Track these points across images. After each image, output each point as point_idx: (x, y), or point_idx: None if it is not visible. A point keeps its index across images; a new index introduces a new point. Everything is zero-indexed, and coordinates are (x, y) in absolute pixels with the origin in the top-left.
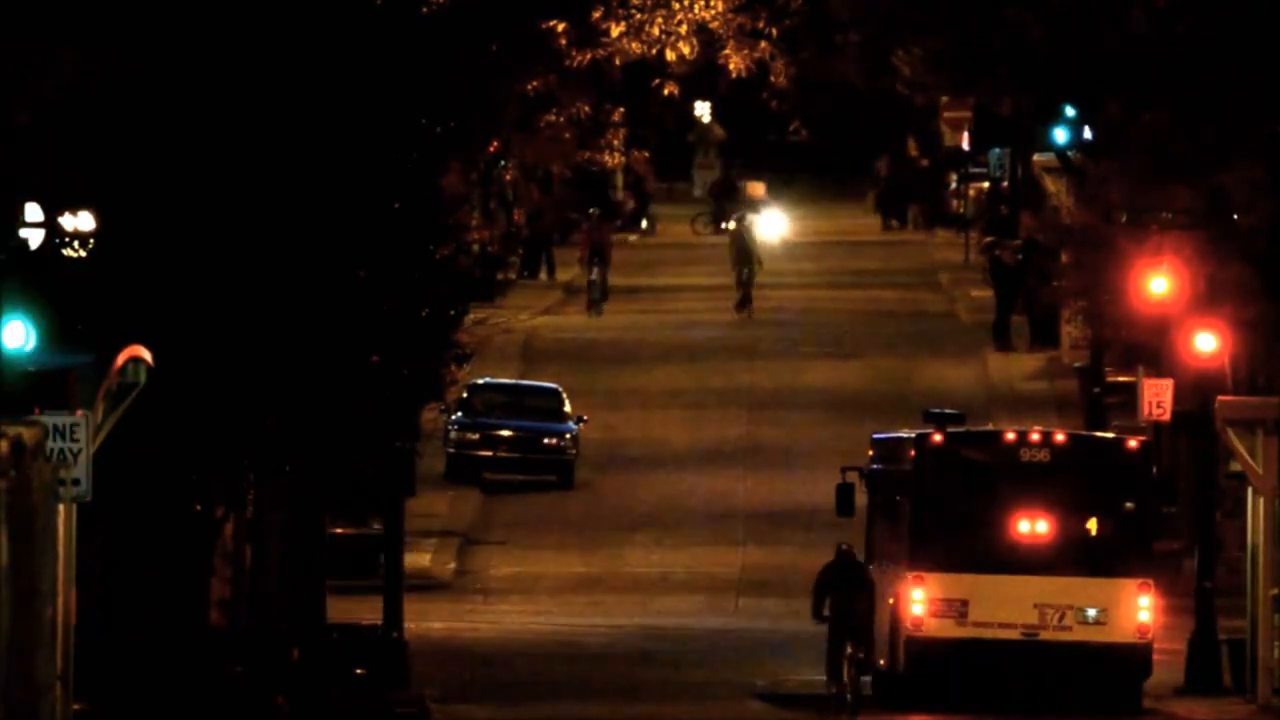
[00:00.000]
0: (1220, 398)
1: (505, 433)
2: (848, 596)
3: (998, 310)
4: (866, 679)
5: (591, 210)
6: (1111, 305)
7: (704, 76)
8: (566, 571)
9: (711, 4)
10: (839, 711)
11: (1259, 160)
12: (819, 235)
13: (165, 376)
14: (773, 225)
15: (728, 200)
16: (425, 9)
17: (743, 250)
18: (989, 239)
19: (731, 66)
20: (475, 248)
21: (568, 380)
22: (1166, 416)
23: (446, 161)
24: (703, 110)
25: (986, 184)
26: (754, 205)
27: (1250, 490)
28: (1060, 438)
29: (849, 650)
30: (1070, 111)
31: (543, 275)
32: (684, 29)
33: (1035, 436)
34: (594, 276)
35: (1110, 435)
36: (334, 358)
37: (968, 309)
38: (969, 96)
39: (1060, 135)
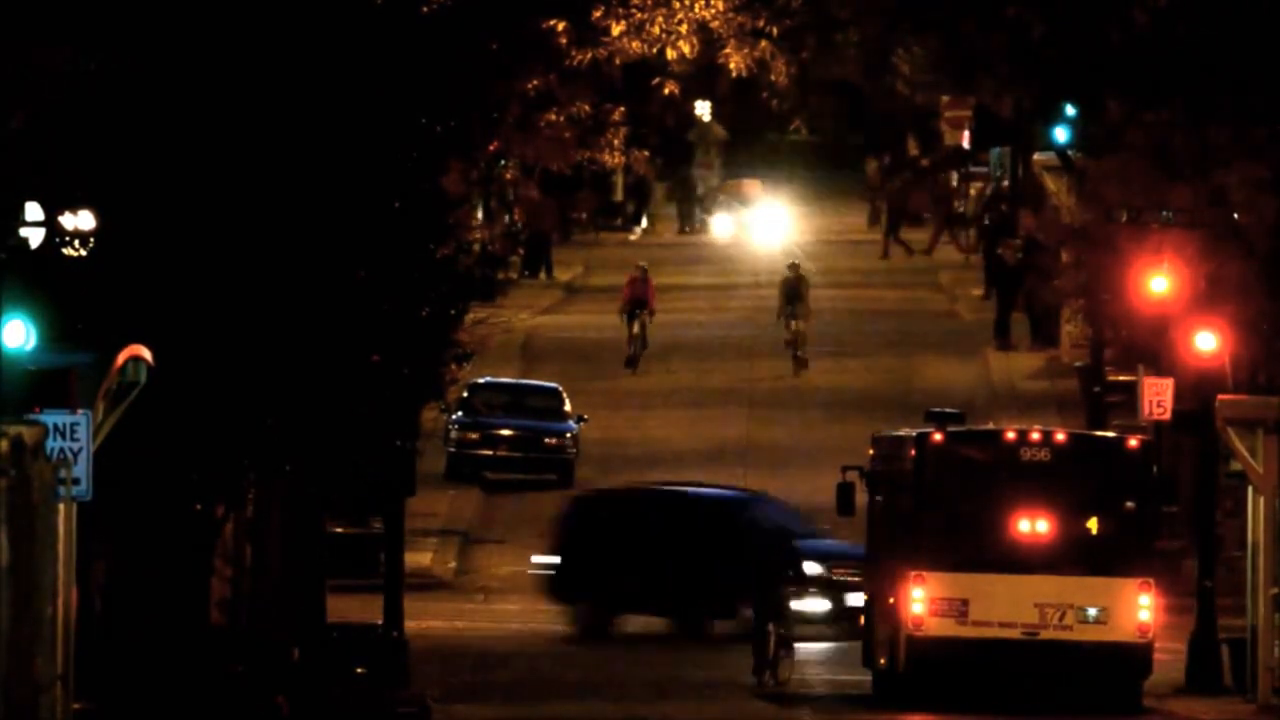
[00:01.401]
0: (1221, 397)
1: (506, 432)
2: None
3: (998, 309)
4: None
5: (640, 264)
6: (1112, 304)
7: (704, 76)
8: None
9: (712, 3)
10: (767, 679)
11: (1259, 160)
12: (819, 234)
13: (165, 376)
14: (774, 224)
15: (685, 201)
16: (425, 9)
17: (793, 297)
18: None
19: (732, 66)
20: (475, 247)
21: (568, 380)
22: (1167, 416)
23: (447, 161)
24: (703, 110)
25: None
26: (746, 202)
27: (1250, 489)
28: (1061, 437)
29: (771, 630)
30: (1070, 111)
31: (542, 275)
32: (684, 28)
33: (1036, 436)
34: (635, 330)
35: (1111, 434)
36: (334, 357)
37: (968, 308)
38: (969, 96)
39: (1060, 135)
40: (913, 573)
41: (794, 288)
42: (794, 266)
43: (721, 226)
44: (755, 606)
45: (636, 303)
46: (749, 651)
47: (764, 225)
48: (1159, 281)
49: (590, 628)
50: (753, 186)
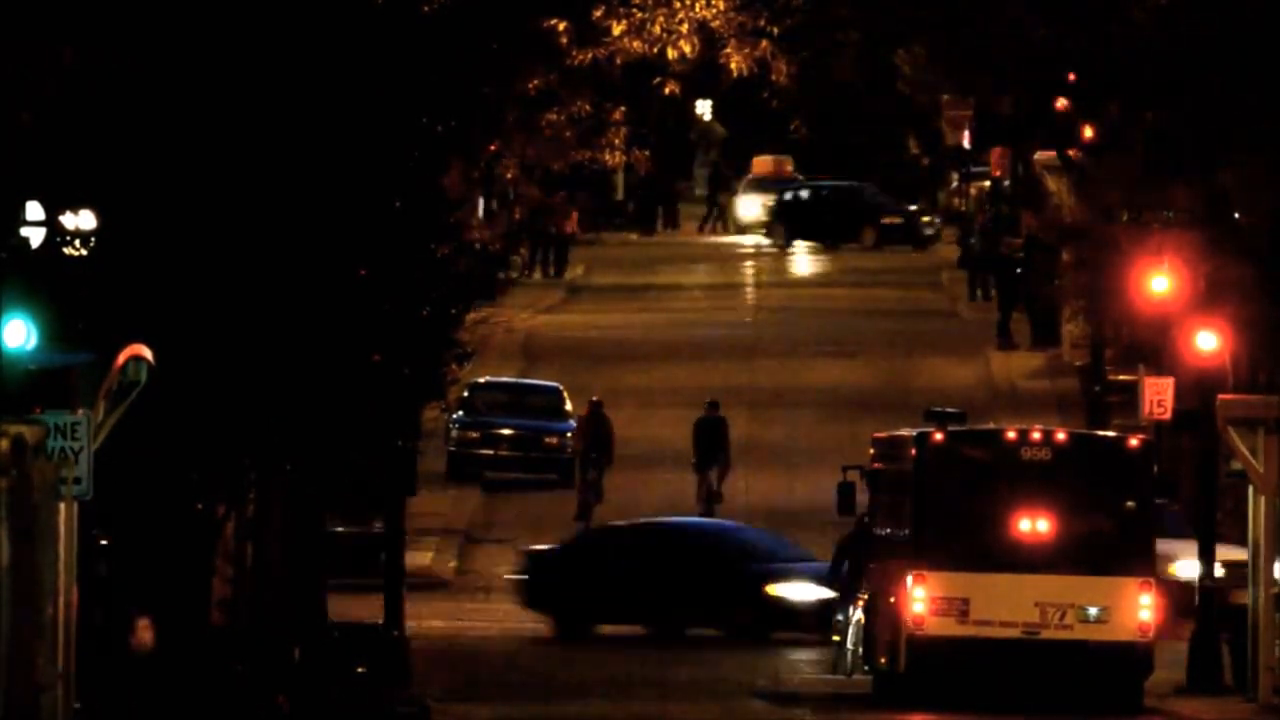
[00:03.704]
0: (1221, 396)
1: (506, 431)
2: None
3: (999, 309)
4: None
5: (595, 398)
6: (1112, 304)
7: (705, 75)
8: None
9: (713, 3)
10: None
11: (1259, 159)
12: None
13: (166, 375)
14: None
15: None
16: (425, 9)
17: (711, 443)
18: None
19: (733, 65)
20: (476, 247)
21: (568, 379)
22: (1168, 415)
23: (447, 160)
24: (704, 109)
25: (988, 183)
26: (779, 178)
27: (1251, 489)
28: (1061, 436)
29: None
30: (1071, 110)
31: (538, 275)
32: (685, 28)
33: (1036, 435)
34: (590, 476)
35: (1111, 434)
36: (335, 356)
37: (968, 308)
38: (970, 95)
39: (1061, 134)
40: (913, 572)
41: (712, 431)
42: (713, 405)
43: (747, 209)
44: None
45: (594, 445)
46: (748, 653)
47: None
48: (1159, 281)
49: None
50: (786, 163)
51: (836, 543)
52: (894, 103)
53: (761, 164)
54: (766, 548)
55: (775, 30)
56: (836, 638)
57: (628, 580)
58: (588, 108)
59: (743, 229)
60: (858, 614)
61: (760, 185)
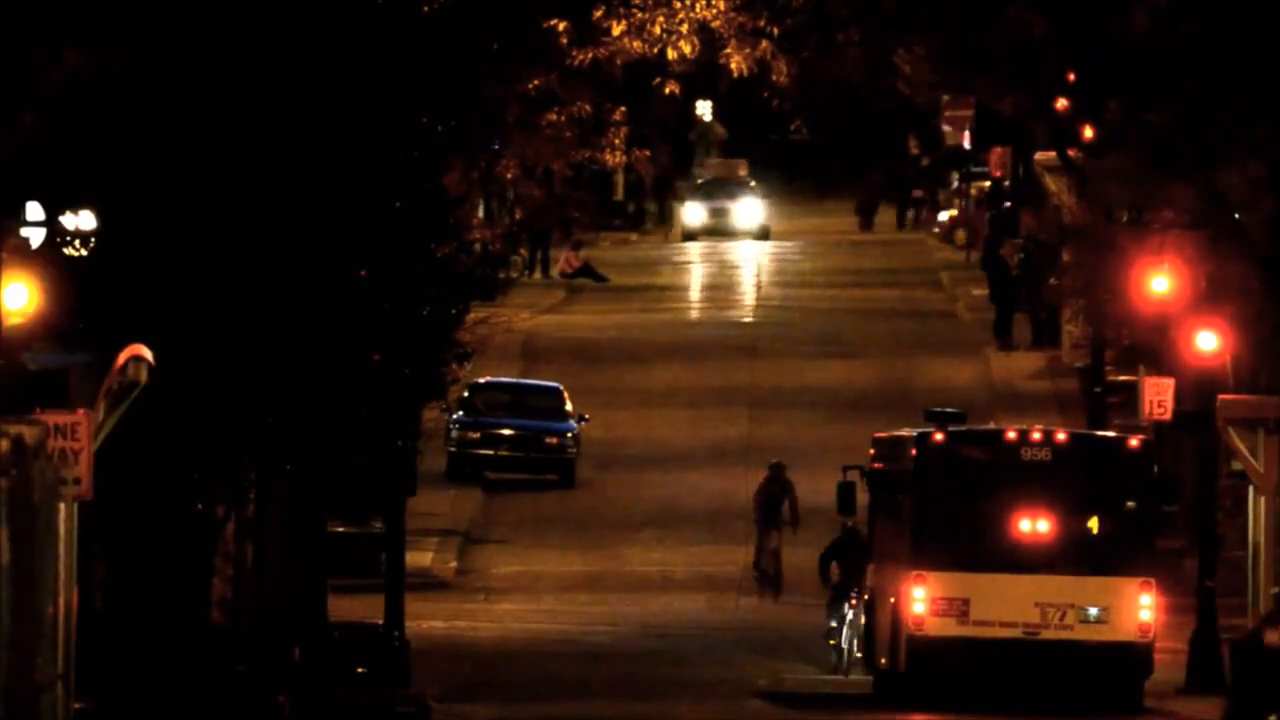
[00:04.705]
0: (1221, 396)
1: (507, 431)
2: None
3: (999, 309)
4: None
5: (776, 461)
6: (1113, 304)
7: (705, 75)
8: (568, 570)
9: (713, 3)
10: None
11: (1259, 159)
12: (820, 234)
13: (166, 375)
14: (751, 213)
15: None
16: (425, 8)
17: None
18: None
19: (733, 65)
20: (476, 247)
21: (569, 379)
22: (1168, 415)
23: (448, 160)
24: (704, 109)
25: (988, 183)
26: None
27: (1251, 489)
28: (1061, 437)
29: None
30: (1071, 110)
31: (538, 274)
32: (685, 28)
33: (1036, 435)
34: (772, 545)
35: (1112, 434)
36: (335, 356)
37: (969, 308)
38: (970, 95)
39: (1061, 134)
40: (914, 572)
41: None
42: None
43: (693, 215)
44: None
45: (773, 505)
46: (748, 653)
47: (743, 215)
48: (1160, 281)
49: None
50: (739, 167)
51: (821, 553)
52: (894, 103)
53: (712, 168)
54: None
55: (775, 30)
56: (832, 641)
57: None
58: (588, 108)
59: (690, 235)
60: (850, 614)
61: (708, 191)
